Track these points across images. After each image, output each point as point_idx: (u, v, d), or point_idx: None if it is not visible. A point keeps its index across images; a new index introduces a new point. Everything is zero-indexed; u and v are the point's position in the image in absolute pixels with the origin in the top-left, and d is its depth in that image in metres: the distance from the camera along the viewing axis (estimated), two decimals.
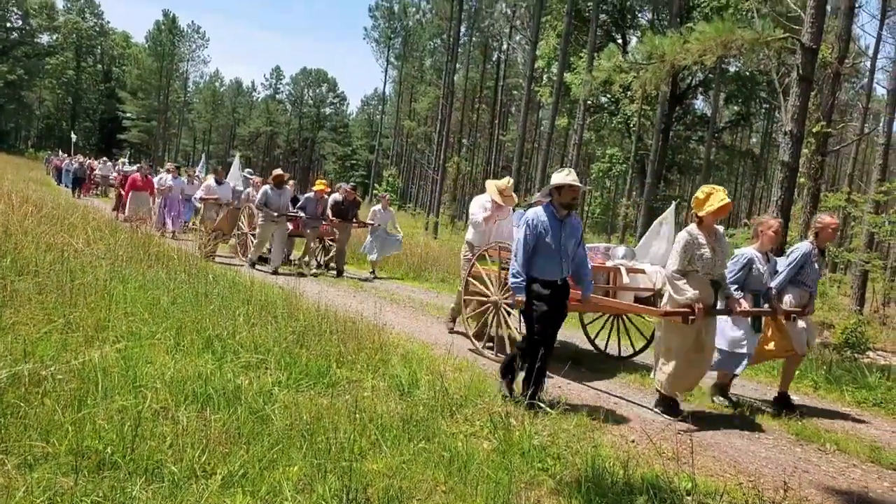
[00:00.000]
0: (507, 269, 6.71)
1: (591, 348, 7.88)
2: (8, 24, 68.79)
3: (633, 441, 4.66)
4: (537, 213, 5.22)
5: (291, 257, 13.72)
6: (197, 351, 5.03)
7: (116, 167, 28.30)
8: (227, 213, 13.49)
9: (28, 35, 70.36)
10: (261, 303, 6.80)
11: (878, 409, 6.63)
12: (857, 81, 42.29)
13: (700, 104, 37.22)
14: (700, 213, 5.31)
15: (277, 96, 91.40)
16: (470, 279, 7.29)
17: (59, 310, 5.14)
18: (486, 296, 7.01)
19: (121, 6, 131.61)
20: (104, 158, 33.37)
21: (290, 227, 12.77)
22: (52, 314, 5.02)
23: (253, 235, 12.96)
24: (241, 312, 6.18)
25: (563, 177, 5.16)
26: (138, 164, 18.11)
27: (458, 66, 46.22)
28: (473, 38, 51.05)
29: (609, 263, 7.41)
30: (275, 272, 11.40)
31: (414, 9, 59.94)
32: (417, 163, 65.03)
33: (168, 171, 17.04)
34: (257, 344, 5.35)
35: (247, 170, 15.93)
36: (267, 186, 11.92)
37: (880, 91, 33.51)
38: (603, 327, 7.97)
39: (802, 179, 11.63)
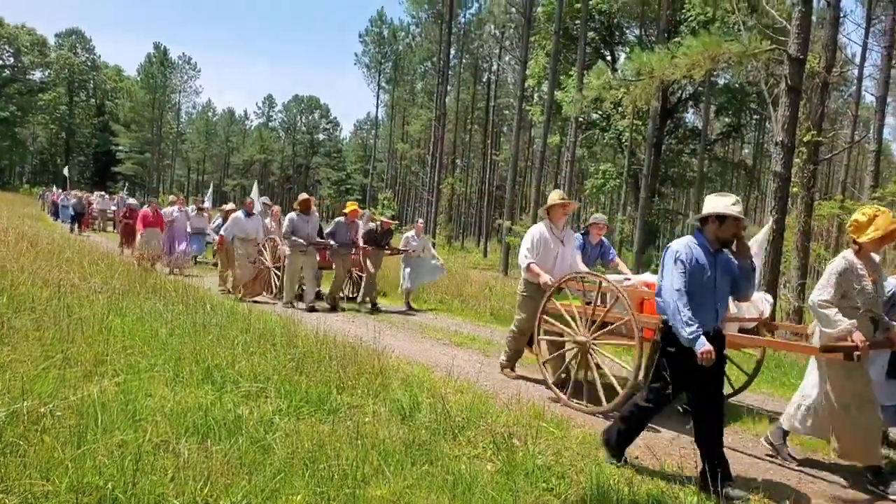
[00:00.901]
0: (588, 302, 5.99)
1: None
2: (0, 62, 69.29)
3: (637, 458, 4.64)
4: (689, 247, 4.20)
5: (321, 291, 12.63)
6: (196, 382, 5.01)
7: (115, 200, 28.11)
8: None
9: (20, 72, 70.97)
10: (259, 331, 6.79)
11: None
12: (845, 90, 42.70)
13: (691, 117, 37.49)
14: (861, 240, 4.51)
15: (270, 124, 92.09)
16: (545, 318, 6.28)
17: (56, 345, 5.12)
18: (568, 337, 6.06)
19: (112, 40, 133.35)
20: (102, 192, 33.06)
21: (318, 257, 11.83)
22: (49, 350, 5.00)
23: (277, 270, 11.96)
24: (239, 341, 6.16)
25: (728, 206, 4.14)
26: (149, 199, 16.79)
27: (449, 88, 46.53)
28: (463, 60, 51.43)
29: None
30: (311, 309, 10.64)
31: (403, 33, 60.47)
32: (412, 185, 65.27)
33: (172, 202, 16.38)
34: (256, 372, 5.32)
35: (263, 198, 15.11)
36: (293, 213, 11.05)
37: (869, 98, 33.84)
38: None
39: (796, 189, 11.69)
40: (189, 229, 15.59)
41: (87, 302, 6.81)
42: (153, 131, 72.48)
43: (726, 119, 34.43)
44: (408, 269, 12.32)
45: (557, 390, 6.14)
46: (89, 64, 79.18)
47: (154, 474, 3.31)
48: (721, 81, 31.14)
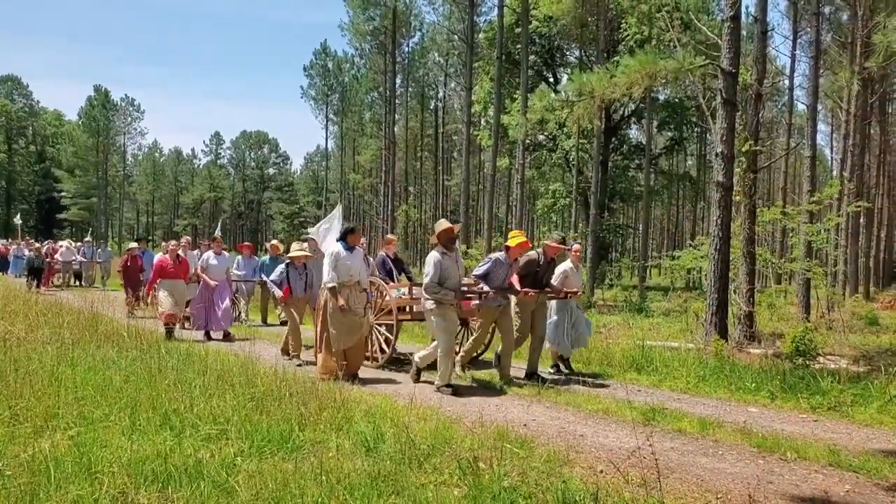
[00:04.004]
0: None
1: None
2: None
3: (601, 471, 4.70)
4: None
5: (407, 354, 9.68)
6: (154, 428, 4.91)
7: (81, 250, 24.93)
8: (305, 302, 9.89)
9: None
10: (217, 372, 6.68)
11: (832, 412, 6.82)
12: (778, 99, 44.34)
13: (635, 133, 38.41)
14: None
15: (219, 161, 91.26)
16: None
17: (3, 402, 4.98)
18: None
19: (51, 85, 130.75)
20: (68, 242, 29.74)
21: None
22: None
23: (381, 328, 8.99)
24: (197, 384, 6.06)
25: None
26: (173, 242, 12.96)
27: (397, 116, 46.84)
28: (409, 89, 51.88)
29: None
30: (454, 390, 7.44)
31: (348, 64, 60.73)
32: (366, 214, 65.20)
33: (179, 246, 12.62)
34: (216, 415, 5.24)
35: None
36: (436, 252, 7.56)
37: (801, 107, 35.15)
38: None
39: (738, 197, 12.04)
40: (227, 279, 12.45)
41: (36, 354, 6.63)
42: (98, 175, 71.01)
43: (669, 133, 35.36)
44: (562, 318, 8.81)
45: None
46: (27, 110, 77.61)
47: None
48: (661, 97, 32.03)
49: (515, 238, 8.00)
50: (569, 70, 32.89)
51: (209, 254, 12.05)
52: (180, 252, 11.90)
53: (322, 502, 3.66)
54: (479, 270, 8.02)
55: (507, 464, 4.55)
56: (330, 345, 7.89)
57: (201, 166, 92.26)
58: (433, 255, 7.53)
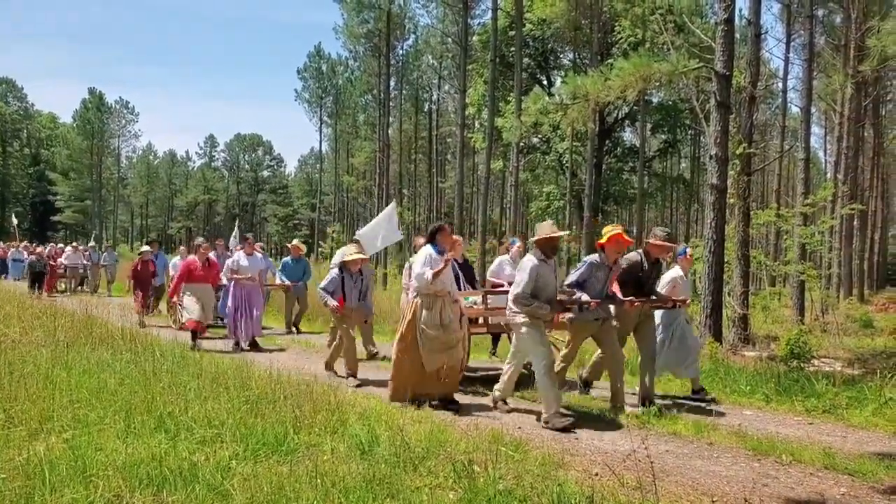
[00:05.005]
0: None
1: None
2: None
3: (596, 474, 4.70)
4: None
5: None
6: (149, 432, 4.90)
7: (87, 253, 23.34)
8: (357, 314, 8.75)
9: None
10: (212, 375, 6.66)
11: (827, 415, 6.84)
12: (772, 102, 44.49)
13: (628, 136, 38.39)
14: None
15: (213, 164, 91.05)
16: None
17: None
18: None
19: (50, 85, 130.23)
20: (74, 244, 28.28)
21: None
22: None
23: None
24: (191, 387, 6.04)
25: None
26: (199, 242, 11.50)
27: (391, 119, 46.80)
28: (404, 91, 51.82)
29: None
30: (564, 426, 6.02)
31: (342, 67, 60.62)
32: (360, 216, 65.17)
33: (208, 245, 11.77)
34: (211, 418, 5.22)
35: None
36: (532, 257, 6.37)
37: (794, 109, 35.29)
38: None
39: (732, 199, 12.08)
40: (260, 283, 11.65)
41: (30, 357, 6.60)
42: (93, 178, 70.73)
43: (662, 136, 35.42)
44: (671, 335, 7.59)
45: None
46: (21, 113, 77.30)
47: None
48: (655, 100, 32.09)
49: (611, 233, 6.75)
50: (563, 73, 32.86)
51: (240, 255, 11.18)
52: (241, 255, 11.09)
53: None
54: (572, 277, 6.80)
55: (502, 467, 4.55)
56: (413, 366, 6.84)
57: (195, 169, 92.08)
58: (530, 260, 6.37)
